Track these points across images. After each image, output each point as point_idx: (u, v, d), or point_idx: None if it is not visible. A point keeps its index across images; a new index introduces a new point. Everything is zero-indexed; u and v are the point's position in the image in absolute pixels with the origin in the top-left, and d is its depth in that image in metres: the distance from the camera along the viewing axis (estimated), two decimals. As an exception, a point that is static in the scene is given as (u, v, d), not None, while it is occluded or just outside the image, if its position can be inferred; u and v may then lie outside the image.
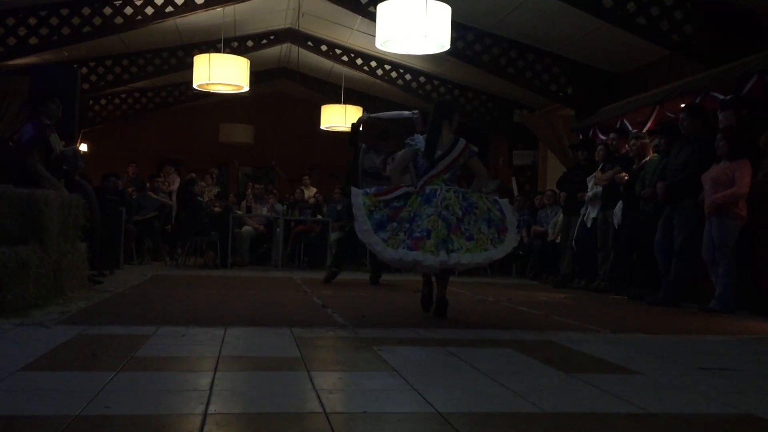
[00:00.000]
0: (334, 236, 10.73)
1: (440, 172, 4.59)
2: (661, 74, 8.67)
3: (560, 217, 9.01)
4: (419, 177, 4.65)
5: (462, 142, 4.71)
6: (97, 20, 9.16)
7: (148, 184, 10.97)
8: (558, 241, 9.00)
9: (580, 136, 9.39)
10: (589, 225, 7.82)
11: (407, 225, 4.38)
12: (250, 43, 11.64)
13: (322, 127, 12.29)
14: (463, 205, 4.44)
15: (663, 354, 3.60)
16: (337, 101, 12.45)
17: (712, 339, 4.23)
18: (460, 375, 2.86)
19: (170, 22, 9.87)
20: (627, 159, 7.38)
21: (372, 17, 7.90)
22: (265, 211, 11.33)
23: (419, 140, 4.71)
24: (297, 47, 11.83)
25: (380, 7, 6.63)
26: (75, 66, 10.48)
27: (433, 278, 4.75)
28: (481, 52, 9.78)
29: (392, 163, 4.70)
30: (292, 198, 12.33)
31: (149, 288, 6.37)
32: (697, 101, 6.86)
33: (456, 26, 7.38)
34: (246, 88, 9.80)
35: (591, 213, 7.82)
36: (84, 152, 12.71)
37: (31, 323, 3.84)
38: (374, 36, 6.85)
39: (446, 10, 6.52)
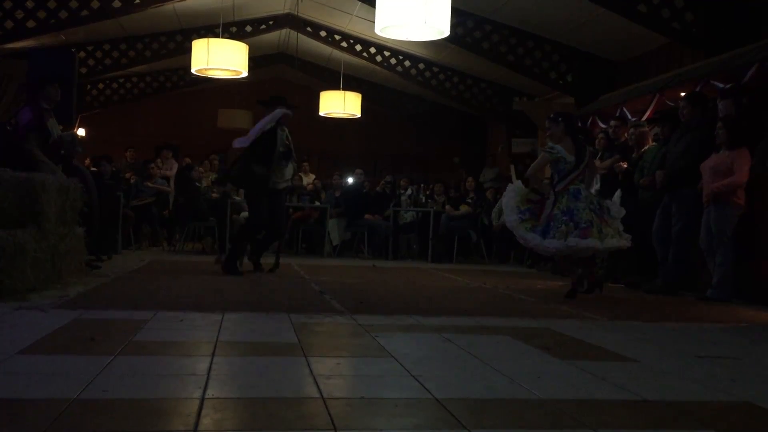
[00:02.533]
0: (331, 223, 10.73)
1: (579, 174, 5.46)
2: (661, 62, 8.64)
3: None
4: (560, 179, 5.47)
5: (588, 148, 5.66)
6: (95, 4, 9.09)
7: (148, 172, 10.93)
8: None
9: (579, 123, 9.37)
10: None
11: (565, 218, 5.26)
12: (248, 29, 11.56)
13: (321, 113, 12.24)
14: (597, 202, 5.47)
15: (659, 342, 3.61)
16: (336, 87, 12.39)
17: (708, 327, 4.25)
18: (458, 361, 2.87)
19: (168, 7, 9.80)
20: (626, 147, 7.37)
21: (371, 3, 7.86)
22: (263, 197, 11.27)
23: (559, 149, 5.48)
24: (296, 33, 11.77)
25: (379, -8, 6.58)
26: (72, 50, 10.42)
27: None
28: (480, 39, 9.74)
29: (532, 166, 5.89)
30: (290, 184, 12.30)
31: (147, 273, 6.38)
32: (698, 89, 6.83)
33: (456, 12, 7.33)
34: (245, 73, 9.75)
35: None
36: (82, 137, 12.66)
37: (29, 307, 3.84)
38: (373, 22, 6.81)
39: (446, -5, 6.48)
